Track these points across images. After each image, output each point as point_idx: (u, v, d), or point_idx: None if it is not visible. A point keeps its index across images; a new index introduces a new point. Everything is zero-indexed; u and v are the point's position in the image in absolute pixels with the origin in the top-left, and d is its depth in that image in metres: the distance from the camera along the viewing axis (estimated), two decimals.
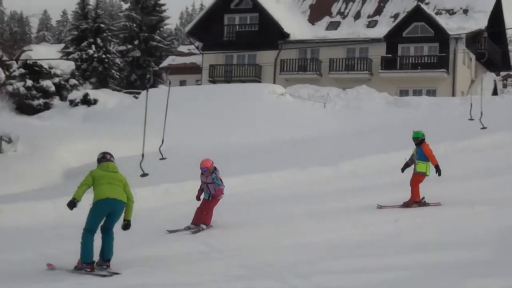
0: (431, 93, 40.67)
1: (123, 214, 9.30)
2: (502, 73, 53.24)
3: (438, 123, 26.87)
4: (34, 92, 44.93)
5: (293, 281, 7.58)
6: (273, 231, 11.28)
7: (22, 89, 44.58)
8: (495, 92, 44.10)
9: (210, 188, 11.88)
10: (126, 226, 9.31)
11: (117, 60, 57.59)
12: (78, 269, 8.86)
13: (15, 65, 47.33)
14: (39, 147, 30.46)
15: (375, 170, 19.00)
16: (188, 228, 11.86)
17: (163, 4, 60.98)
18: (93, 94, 44.41)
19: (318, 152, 23.08)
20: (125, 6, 63.46)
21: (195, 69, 51.87)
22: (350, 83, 40.98)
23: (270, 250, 9.60)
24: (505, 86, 54.08)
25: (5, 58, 42.58)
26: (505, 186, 14.43)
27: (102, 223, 9.13)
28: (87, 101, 43.57)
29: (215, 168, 11.92)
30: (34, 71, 45.53)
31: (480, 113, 25.51)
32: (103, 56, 54.65)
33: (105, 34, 56.83)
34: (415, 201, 12.92)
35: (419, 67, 41.72)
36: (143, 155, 16.92)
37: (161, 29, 63.22)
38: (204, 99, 36.68)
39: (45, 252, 10.60)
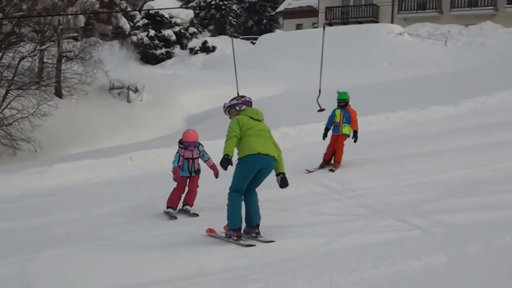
0: None
1: None
2: None
3: None
4: (156, 41, 46.38)
5: (412, 219, 7.58)
6: (391, 171, 11.27)
7: (145, 39, 46.15)
8: None
9: (195, 164, 9.99)
10: (284, 181, 7.79)
11: (234, 7, 58.13)
12: (228, 236, 7.68)
13: (138, 16, 48.93)
14: (163, 96, 31.70)
15: (498, 108, 18.37)
16: (185, 211, 9.88)
17: None
18: (211, 41, 45.34)
19: (438, 91, 22.56)
20: None
21: (311, 12, 51.45)
22: (473, 19, 39.29)
23: (389, 190, 9.59)
24: None
25: (129, 9, 44.03)
26: None
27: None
28: (206, 48, 44.59)
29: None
30: (156, 21, 46.91)
31: None
32: (220, 3, 55.32)
33: None
34: (339, 162, 12.81)
35: None
36: (320, 91, 17.43)
37: None
38: (320, 42, 36.46)
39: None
